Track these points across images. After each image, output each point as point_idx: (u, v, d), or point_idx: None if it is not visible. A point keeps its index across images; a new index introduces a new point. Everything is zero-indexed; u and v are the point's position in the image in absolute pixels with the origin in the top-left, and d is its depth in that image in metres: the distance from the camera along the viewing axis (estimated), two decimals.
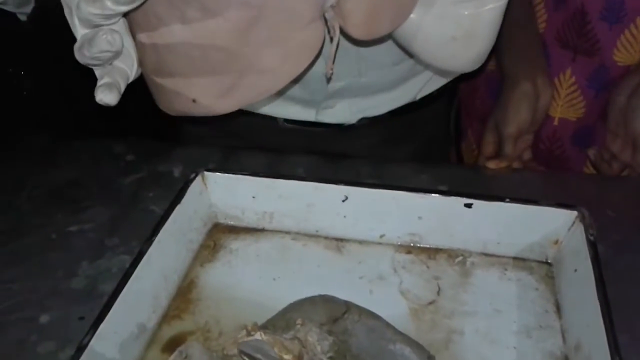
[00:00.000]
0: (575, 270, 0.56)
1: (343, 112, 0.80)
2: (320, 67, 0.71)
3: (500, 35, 0.84)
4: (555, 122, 0.87)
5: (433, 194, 0.62)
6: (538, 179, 0.78)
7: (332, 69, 0.59)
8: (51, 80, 0.97)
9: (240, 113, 0.80)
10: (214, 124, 0.84)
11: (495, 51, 0.87)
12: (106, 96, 0.52)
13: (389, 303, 0.59)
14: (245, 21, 0.50)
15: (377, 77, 0.76)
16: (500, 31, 0.84)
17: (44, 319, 0.60)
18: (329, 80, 0.73)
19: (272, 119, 0.82)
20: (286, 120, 0.82)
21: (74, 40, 0.52)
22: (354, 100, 0.78)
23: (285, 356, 0.46)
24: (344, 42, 0.69)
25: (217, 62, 0.53)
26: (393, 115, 0.80)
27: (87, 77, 0.56)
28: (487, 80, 0.95)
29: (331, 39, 0.56)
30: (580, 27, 0.80)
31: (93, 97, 0.53)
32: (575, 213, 0.59)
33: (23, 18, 0.86)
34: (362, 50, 0.71)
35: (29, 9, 0.85)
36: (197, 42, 0.52)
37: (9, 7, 0.82)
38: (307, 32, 0.52)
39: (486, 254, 0.63)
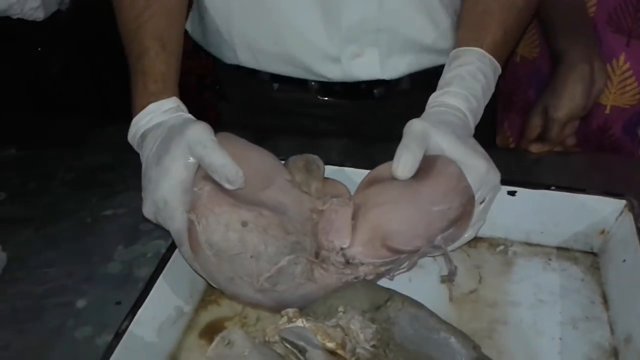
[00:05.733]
0: (624, 261, 0.54)
1: (371, 64, 0.77)
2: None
3: (551, 18, 0.82)
4: (607, 111, 0.84)
5: None
6: (584, 163, 0.75)
7: None
8: (83, 66, 0.96)
9: (274, 79, 0.81)
10: (247, 100, 0.84)
11: (547, 35, 0.84)
12: None
13: (428, 291, 0.57)
14: None
15: (395, 12, 0.74)
16: (551, 14, 0.81)
17: (80, 304, 0.60)
18: None
19: (304, 87, 0.81)
20: (316, 84, 0.81)
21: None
22: (379, 49, 0.76)
23: (328, 344, 0.44)
24: None
25: None
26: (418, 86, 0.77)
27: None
28: (530, 71, 0.92)
29: None
30: (635, 11, 0.76)
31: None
32: (623, 202, 0.57)
33: (63, 8, 0.86)
34: None
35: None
36: None
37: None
38: None
39: (529, 244, 0.62)
